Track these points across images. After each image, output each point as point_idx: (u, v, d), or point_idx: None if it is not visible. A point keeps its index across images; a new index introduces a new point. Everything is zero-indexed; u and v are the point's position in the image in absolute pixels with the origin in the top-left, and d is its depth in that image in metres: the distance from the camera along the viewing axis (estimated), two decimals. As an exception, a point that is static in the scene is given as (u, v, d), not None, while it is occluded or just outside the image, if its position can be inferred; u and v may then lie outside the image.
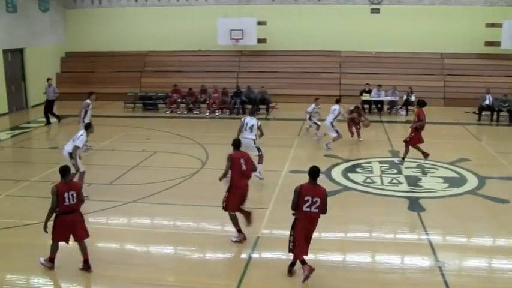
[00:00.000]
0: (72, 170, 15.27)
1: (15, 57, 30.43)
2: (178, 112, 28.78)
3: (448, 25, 31.52)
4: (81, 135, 15.18)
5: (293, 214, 10.40)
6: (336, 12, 32.45)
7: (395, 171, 17.38)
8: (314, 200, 10.17)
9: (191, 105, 29.08)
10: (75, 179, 14.84)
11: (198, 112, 28.73)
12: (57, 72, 34.60)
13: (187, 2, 33.92)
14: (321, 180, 16.25)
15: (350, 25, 32.25)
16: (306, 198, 10.18)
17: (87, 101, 20.37)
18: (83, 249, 10.90)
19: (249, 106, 28.46)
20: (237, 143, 12.57)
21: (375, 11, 32.46)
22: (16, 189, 15.89)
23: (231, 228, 12.46)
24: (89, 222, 13.28)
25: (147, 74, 33.86)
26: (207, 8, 33.46)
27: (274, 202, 14.59)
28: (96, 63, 34.73)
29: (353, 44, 32.44)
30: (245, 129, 16.79)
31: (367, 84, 28.99)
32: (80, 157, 15.29)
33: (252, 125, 16.81)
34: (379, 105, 28.88)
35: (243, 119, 17.16)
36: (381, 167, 17.97)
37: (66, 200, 10.54)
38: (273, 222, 13.26)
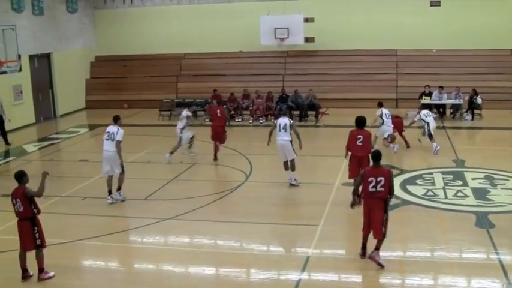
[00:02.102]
0: (116, 171, 16.33)
1: (42, 62, 31.15)
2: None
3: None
4: (118, 129, 16.18)
5: (358, 196, 12.15)
6: (391, 6, 32.26)
7: (460, 183, 17.19)
8: (378, 179, 11.54)
9: (232, 112, 29.29)
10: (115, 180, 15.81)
11: (240, 120, 28.94)
12: (86, 78, 35.27)
13: (227, -1, 34.28)
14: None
15: (407, 20, 31.99)
16: (369, 179, 11.58)
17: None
18: (37, 260, 11.47)
19: (297, 112, 28.59)
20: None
21: (435, 3, 32.22)
22: (45, 206, 16.16)
23: (277, 248, 12.53)
24: (123, 241, 13.54)
25: (184, 79, 34.24)
26: (249, 4, 33.68)
27: (326, 218, 14.58)
28: (129, 68, 35.30)
29: (411, 42, 32.20)
30: (279, 130, 17.29)
31: (427, 86, 28.76)
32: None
33: (285, 124, 17.26)
34: (441, 109, 28.59)
35: (275, 121, 17.74)
36: (444, 178, 17.76)
37: (15, 206, 11.39)
38: (324, 240, 13.26)
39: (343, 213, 14.80)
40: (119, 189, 16.56)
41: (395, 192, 16.14)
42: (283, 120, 17.46)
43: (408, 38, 32.13)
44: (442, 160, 19.90)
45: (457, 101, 28.15)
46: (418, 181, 17.56)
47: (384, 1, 32.50)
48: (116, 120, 16.67)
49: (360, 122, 15.46)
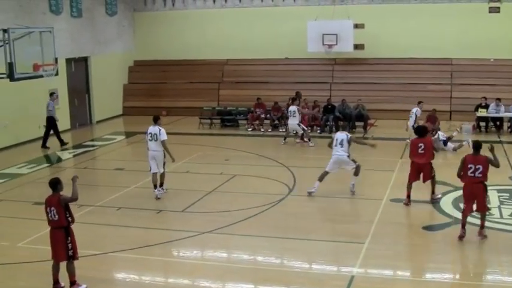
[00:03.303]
0: (161, 170, 17.88)
1: (79, 66, 31.67)
2: (262, 130, 29.08)
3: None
4: (160, 129, 17.63)
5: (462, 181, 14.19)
6: (446, 12, 32.00)
7: (517, 201, 17.00)
8: (477, 167, 13.73)
9: (276, 122, 29.33)
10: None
11: (284, 130, 28.92)
12: (124, 83, 35.71)
13: (272, 3, 34.38)
14: (427, 209, 16.20)
15: (463, 27, 31.72)
16: (469, 166, 13.81)
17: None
18: (68, 272, 11.55)
19: (344, 123, 28.52)
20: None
21: (494, 9, 31.85)
22: (78, 215, 16.36)
23: (319, 265, 12.49)
24: (158, 254, 13.65)
25: (226, 86, 34.45)
26: (296, 9, 33.80)
27: (372, 236, 14.49)
28: (168, 73, 35.63)
29: (467, 50, 31.88)
30: (335, 145, 17.86)
31: (483, 97, 28.42)
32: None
33: (342, 140, 17.74)
34: (498, 123, 28.23)
35: (333, 134, 18.76)
36: (500, 196, 17.53)
37: (49, 214, 11.46)
38: (370, 259, 13.16)
39: (390, 231, 14.73)
40: (161, 185, 18.03)
41: (447, 211, 16.20)
42: (341, 136, 18.03)
43: (464, 46, 31.80)
44: (498, 177, 19.55)
45: (514, 114, 27.79)
46: (471, 199, 17.33)
47: (439, 7, 32.24)
48: (156, 120, 18.00)
49: (420, 131, 16.95)
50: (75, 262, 11.60)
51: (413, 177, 16.77)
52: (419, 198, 17.19)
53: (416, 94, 31.01)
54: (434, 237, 14.54)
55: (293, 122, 25.65)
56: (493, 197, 17.43)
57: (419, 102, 25.49)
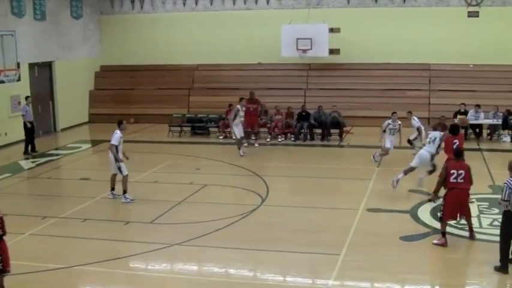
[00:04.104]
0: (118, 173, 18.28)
1: (43, 71, 31.44)
2: (234, 138, 29.04)
3: None
4: (115, 133, 18.05)
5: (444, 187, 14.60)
6: (424, 17, 32.28)
7: (496, 211, 17.04)
8: (459, 172, 14.25)
9: (249, 129, 29.36)
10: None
11: (256, 138, 28.94)
12: (90, 89, 35.55)
13: (245, 6, 34.44)
14: (405, 219, 16.27)
15: (442, 32, 31.99)
16: (452, 172, 14.29)
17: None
18: None
19: (319, 131, 28.59)
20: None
21: (474, 14, 32.17)
22: (42, 227, 16.33)
23: (294, 278, 12.49)
24: (125, 268, 13.57)
25: (197, 92, 34.42)
26: (269, 12, 33.89)
27: (348, 246, 14.53)
28: (137, 79, 35.51)
29: (445, 55, 32.16)
30: (428, 143, 19.18)
31: (462, 104, 28.68)
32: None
33: (435, 138, 18.99)
34: (478, 130, 28.51)
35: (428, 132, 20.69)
36: (479, 205, 17.67)
37: None
38: (346, 270, 13.19)
39: (367, 242, 14.79)
40: (124, 192, 18.32)
41: (425, 221, 16.31)
42: (434, 134, 19.23)
43: (442, 52, 32.07)
44: (477, 186, 19.70)
45: (495, 121, 28.06)
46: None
47: (417, 12, 32.52)
48: (119, 124, 18.46)
49: (453, 129, 18.05)
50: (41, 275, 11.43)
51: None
52: (396, 207, 17.31)
53: (394, 100, 31.30)
54: (412, 247, 14.58)
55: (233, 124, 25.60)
56: (472, 206, 17.55)
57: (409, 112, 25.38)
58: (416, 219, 16.60)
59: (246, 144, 26.39)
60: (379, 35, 32.61)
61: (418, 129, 24.03)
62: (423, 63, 32.64)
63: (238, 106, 25.36)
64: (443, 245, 14.34)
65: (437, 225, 15.95)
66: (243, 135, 25.37)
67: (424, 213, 17.06)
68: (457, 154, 15.04)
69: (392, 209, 17.18)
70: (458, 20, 31.96)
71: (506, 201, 12.40)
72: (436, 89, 32.28)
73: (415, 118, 24.51)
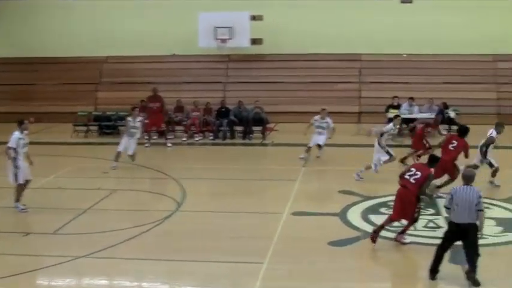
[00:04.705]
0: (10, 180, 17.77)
1: None
2: (146, 137, 28.85)
3: (501, 18, 31.85)
4: (13, 134, 17.60)
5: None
6: (354, 3, 32.73)
7: (432, 211, 17.46)
8: (416, 172, 14.68)
9: (154, 129, 29.13)
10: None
11: (172, 136, 28.84)
12: (-16, 86, 34.85)
13: (158, -9, 34.26)
14: (333, 223, 16.46)
15: (373, 20, 32.49)
16: (411, 169, 14.99)
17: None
18: None
19: (240, 128, 28.67)
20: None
21: (407, 0, 32.76)
22: None
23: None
24: (25, 284, 13.34)
25: (105, 87, 34.13)
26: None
27: (272, 254, 14.59)
28: (37, 73, 35.02)
29: (377, 45, 32.72)
30: None
31: (395, 97, 29.17)
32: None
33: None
34: (412, 124, 29.02)
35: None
36: (414, 206, 18.03)
37: None
38: (271, 280, 13.26)
39: (293, 248, 14.88)
40: (16, 201, 17.83)
41: (356, 224, 16.54)
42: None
43: (374, 41, 32.58)
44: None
45: (430, 115, 28.59)
46: (382, 209, 17.76)
47: (346, -4, 32.82)
48: (20, 124, 17.91)
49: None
50: None
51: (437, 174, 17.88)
52: (324, 210, 17.51)
53: (322, 94, 31.65)
54: (341, 253, 14.75)
55: None
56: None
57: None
58: (346, 222, 16.79)
59: (147, 145, 26.33)
60: (306, 24, 32.87)
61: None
62: (353, 54, 33.14)
63: (129, 118, 24.12)
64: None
65: (368, 228, 16.23)
66: (130, 153, 23.35)
67: (354, 215, 17.27)
68: (432, 160, 15.48)
69: (320, 212, 17.37)
70: (390, 8, 32.50)
71: (448, 208, 12.67)
72: (367, 81, 32.74)
73: (329, 119, 24.47)
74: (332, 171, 22.63)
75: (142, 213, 17.91)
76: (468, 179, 12.69)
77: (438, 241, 15.17)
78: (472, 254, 12.45)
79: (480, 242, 14.97)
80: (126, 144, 23.28)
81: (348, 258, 14.48)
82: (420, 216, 16.71)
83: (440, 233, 15.71)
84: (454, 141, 19.01)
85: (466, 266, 13.10)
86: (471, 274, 12.44)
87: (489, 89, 31.85)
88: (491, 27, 31.77)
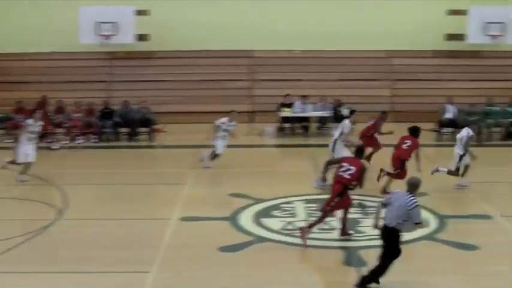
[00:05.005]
0: None
1: None
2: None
3: (396, 14, 32.50)
4: None
5: None
6: (245, -2, 32.79)
7: (326, 213, 17.68)
8: (349, 167, 15.27)
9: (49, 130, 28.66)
10: None
11: (52, 140, 28.30)
12: None
13: (34, -18, 33.55)
14: (224, 227, 16.47)
15: (266, 15, 32.61)
16: (343, 164, 15.49)
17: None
18: None
19: (125, 130, 28.40)
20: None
21: (298, -5, 33.03)
22: None
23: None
24: None
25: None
26: (64, -9, 33.17)
27: (160, 262, 14.46)
28: None
29: (270, 41, 32.79)
30: (456, 141, 20.44)
31: (287, 95, 29.36)
32: None
33: (462, 137, 20.11)
34: (305, 123, 29.29)
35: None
36: (307, 208, 18.19)
37: None
38: (158, 292, 13.22)
39: (182, 256, 14.76)
40: None
41: (248, 229, 16.58)
42: (462, 132, 20.31)
43: (266, 36, 32.63)
44: (304, 186, 20.35)
45: (324, 113, 28.91)
46: (274, 212, 17.86)
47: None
48: None
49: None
50: None
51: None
52: (215, 215, 17.48)
53: (212, 93, 31.73)
54: (233, 259, 14.72)
55: None
56: (299, 209, 18.08)
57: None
58: (237, 227, 16.79)
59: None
60: (196, 19, 32.66)
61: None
62: (245, 50, 33.11)
63: (29, 121, 22.15)
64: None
65: (261, 232, 16.30)
66: (28, 160, 21.79)
67: (246, 219, 17.30)
68: (359, 152, 16.35)
69: (211, 217, 17.31)
70: (282, 3, 32.63)
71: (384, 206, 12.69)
72: (259, 78, 32.88)
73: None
74: (223, 173, 22.58)
75: (19, 223, 17.49)
76: (410, 186, 12.46)
77: (335, 243, 15.47)
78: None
79: (375, 242, 15.28)
80: (27, 151, 21.74)
81: (240, 264, 14.47)
82: (314, 219, 16.96)
83: (336, 235, 16.02)
84: (407, 141, 19.56)
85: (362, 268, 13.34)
86: (368, 277, 12.54)
87: (383, 86, 32.50)
88: (385, 23, 32.35)
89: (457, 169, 20.14)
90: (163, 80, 32.88)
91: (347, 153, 20.20)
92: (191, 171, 22.71)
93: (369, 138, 22.64)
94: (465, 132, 20.18)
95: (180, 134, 28.67)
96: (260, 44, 32.89)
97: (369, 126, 22.91)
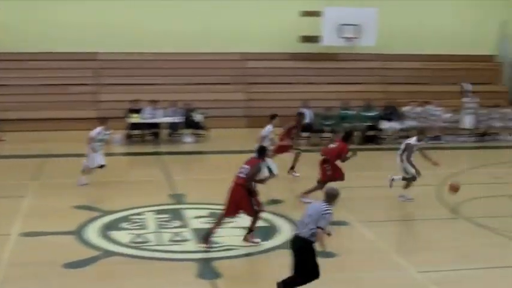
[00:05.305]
0: None
1: None
2: None
3: (250, 16, 32.83)
4: None
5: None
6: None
7: (178, 223, 17.61)
8: (245, 166, 15.70)
9: None
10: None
11: None
12: None
13: None
14: (69, 242, 16.17)
15: (111, 11, 32.37)
16: (243, 166, 15.76)
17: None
18: None
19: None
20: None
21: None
22: None
23: None
24: None
25: None
26: None
27: (1, 283, 14.02)
28: None
29: (116, 42, 32.54)
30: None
31: (136, 100, 29.14)
32: None
33: (402, 147, 20.55)
34: (156, 130, 29.17)
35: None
36: (158, 219, 18.12)
37: None
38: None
39: (24, 275, 14.36)
40: None
41: (93, 242, 16.32)
42: (405, 141, 21.00)
43: (112, 36, 32.37)
44: (154, 196, 20.25)
45: (176, 119, 28.83)
46: (123, 224, 17.70)
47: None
48: None
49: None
50: None
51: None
52: (58, 229, 17.12)
53: (54, 98, 31.26)
54: (80, 275, 14.47)
55: None
56: (149, 221, 17.96)
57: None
58: (83, 241, 16.50)
59: None
60: (39, 19, 32.24)
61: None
62: (89, 53, 32.74)
63: None
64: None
65: (107, 246, 16.09)
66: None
67: (93, 233, 17.03)
68: (261, 151, 16.41)
69: (54, 231, 16.89)
70: (132, 3, 32.45)
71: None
72: (105, 83, 32.55)
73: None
74: (67, 184, 21.97)
75: None
76: (328, 196, 12.38)
77: (188, 256, 15.43)
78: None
79: (230, 253, 15.36)
80: None
81: (86, 280, 14.22)
82: (166, 230, 16.94)
83: (188, 246, 16.00)
84: (335, 142, 20.55)
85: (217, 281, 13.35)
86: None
87: (238, 90, 32.72)
88: (239, 25, 32.66)
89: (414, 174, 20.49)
90: (2, 85, 32.00)
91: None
92: (32, 182, 22.21)
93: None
94: (413, 140, 20.71)
95: (21, 143, 27.98)
96: (105, 45, 32.55)
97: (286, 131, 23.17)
